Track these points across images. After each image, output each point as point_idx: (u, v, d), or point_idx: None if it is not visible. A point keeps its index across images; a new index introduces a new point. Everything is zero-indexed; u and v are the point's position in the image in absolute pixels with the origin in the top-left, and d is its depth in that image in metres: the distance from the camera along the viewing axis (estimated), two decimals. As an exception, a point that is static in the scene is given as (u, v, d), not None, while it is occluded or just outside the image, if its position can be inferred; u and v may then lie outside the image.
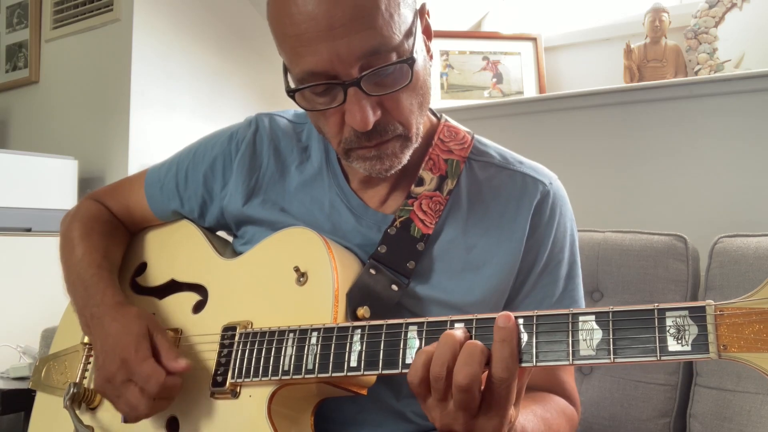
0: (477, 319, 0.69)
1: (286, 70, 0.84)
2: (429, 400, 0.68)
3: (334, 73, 0.77)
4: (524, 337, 0.65)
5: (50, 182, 2.21)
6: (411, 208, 0.91)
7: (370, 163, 0.84)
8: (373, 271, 0.86)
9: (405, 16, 0.79)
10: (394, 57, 0.78)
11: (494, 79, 2.14)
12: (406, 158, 0.86)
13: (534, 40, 2.14)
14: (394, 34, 0.77)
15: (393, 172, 0.86)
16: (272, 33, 0.82)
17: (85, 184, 2.34)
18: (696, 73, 1.79)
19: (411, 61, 0.78)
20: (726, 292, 1.26)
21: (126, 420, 0.87)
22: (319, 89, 0.79)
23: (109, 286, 0.96)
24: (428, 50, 0.88)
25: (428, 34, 0.89)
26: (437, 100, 2.12)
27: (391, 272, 0.87)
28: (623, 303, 1.36)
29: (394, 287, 0.86)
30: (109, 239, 1.07)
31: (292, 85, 0.82)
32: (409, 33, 0.80)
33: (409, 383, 0.68)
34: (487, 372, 0.66)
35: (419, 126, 0.86)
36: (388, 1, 0.76)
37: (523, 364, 0.65)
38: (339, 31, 0.74)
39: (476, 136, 1.00)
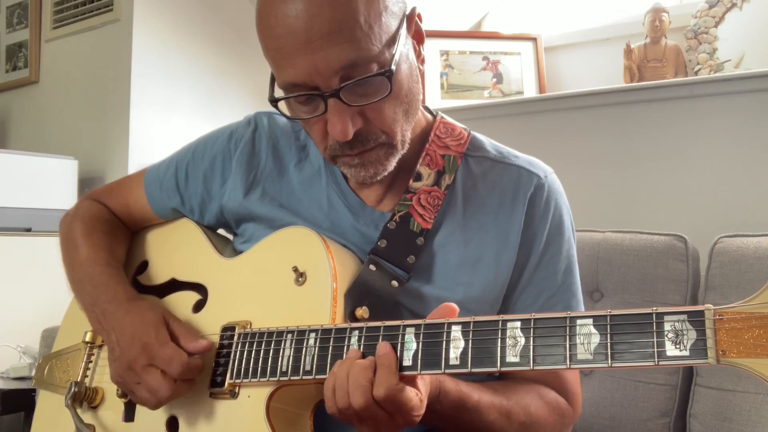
0: (474, 322, 0.69)
1: (273, 79, 0.85)
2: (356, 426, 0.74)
3: (314, 85, 0.78)
4: (521, 340, 0.65)
5: (50, 182, 2.21)
6: (410, 202, 0.91)
7: (355, 170, 0.85)
8: (372, 267, 0.87)
9: (387, 25, 0.79)
10: (374, 67, 0.78)
11: (494, 79, 2.14)
12: (391, 165, 0.86)
13: (534, 40, 2.14)
14: (373, 46, 0.77)
15: (379, 178, 0.87)
16: (259, 43, 0.83)
17: (85, 184, 2.34)
18: (696, 73, 1.79)
19: (389, 74, 0.78)
20: (726, 292, 1.26)
21: (143, 407, 0.88)
22: (302, 99, 0.80)
23: (119, 283, 0.97)
24: (418, 55, 0.88)
25: (419, 38, 0.89)
26: (437, 100, 2.12)
27: (391, 267, 0.88)
28: (623, 303, 1.36)
29: (394, 283, 0.87)
30: (112, 237, 1.07)
31: (279, 94, 0.83)
32: (392, 42, 0.80)
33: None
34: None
35: (405, 133, 0.86)
36: (368, 13, 0.76)
37: (521, 368, 0.65)
38: (317, 44, 0.75)
39: (473, 132, 1.00)
